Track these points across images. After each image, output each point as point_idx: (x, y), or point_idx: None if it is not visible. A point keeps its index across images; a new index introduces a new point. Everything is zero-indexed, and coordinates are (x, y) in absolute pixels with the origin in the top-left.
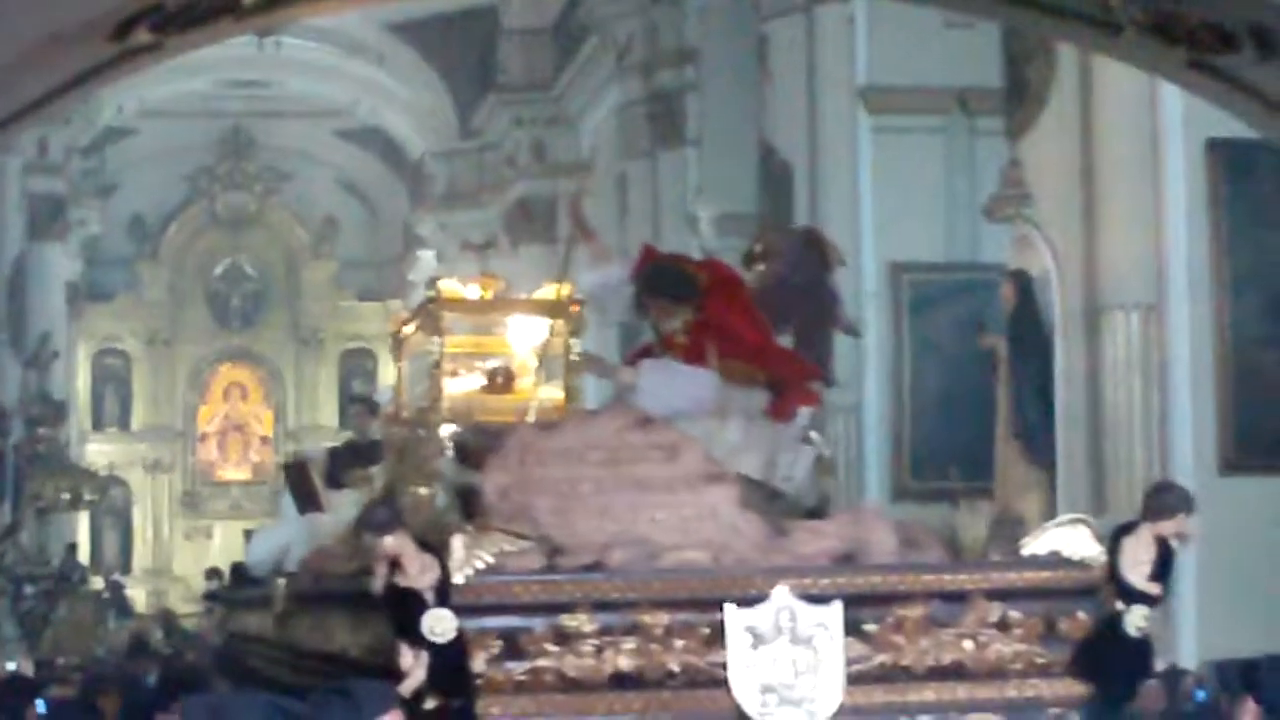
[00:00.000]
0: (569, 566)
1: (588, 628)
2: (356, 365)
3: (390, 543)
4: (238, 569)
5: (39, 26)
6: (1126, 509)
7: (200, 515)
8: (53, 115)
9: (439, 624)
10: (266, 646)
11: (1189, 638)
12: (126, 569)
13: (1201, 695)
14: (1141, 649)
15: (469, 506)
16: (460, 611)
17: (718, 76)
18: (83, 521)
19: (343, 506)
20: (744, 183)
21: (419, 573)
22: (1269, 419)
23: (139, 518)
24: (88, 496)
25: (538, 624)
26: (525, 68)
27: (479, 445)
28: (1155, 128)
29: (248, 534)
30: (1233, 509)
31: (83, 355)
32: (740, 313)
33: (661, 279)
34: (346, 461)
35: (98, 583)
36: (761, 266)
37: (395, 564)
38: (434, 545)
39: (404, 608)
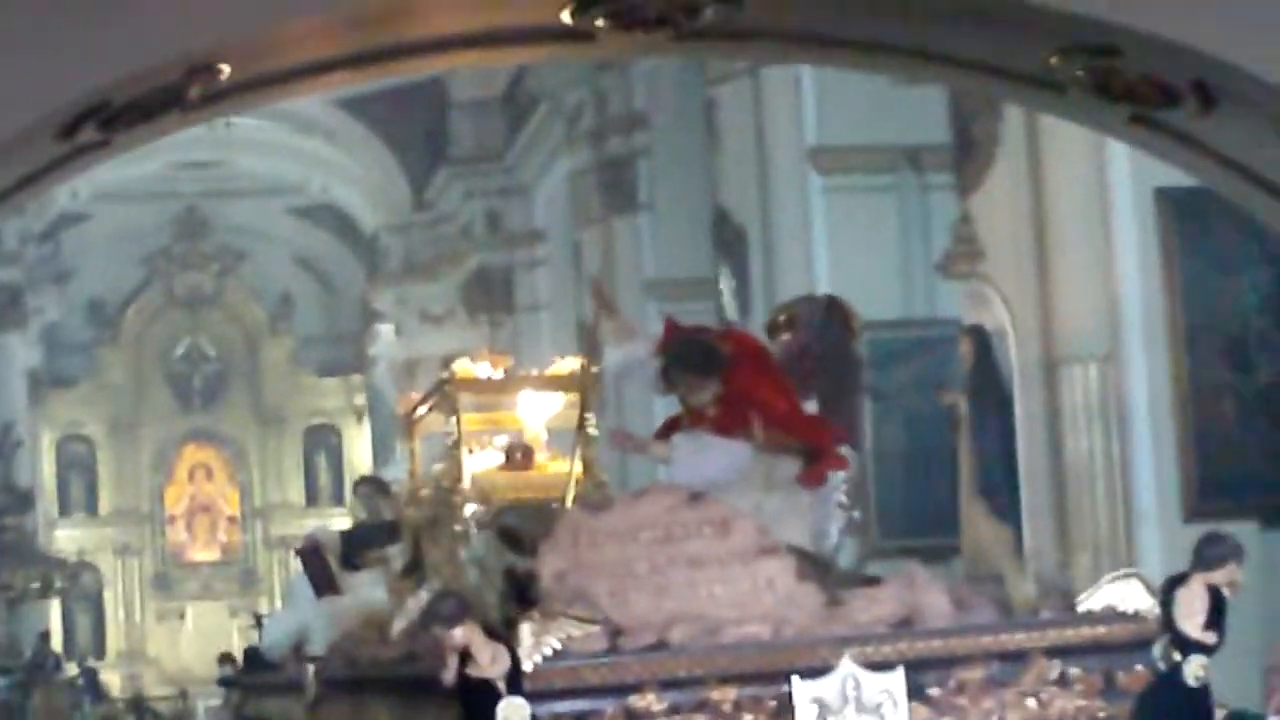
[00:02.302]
0: (632, 647)
1: (657, 707)
2: (320, 440)
3: (460, 634)
4: (252, 653)
5: None
6: (1091, 560)
7: (172, 597)
8: (3, 215)
9: (514, 712)
10: None
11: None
12: (100, 654)
13: None
14: (1201, 698)
15: (522, 591)
16: (530, 698)
17: (668, 141)
18: (54, 609)
19: (360, 588)
20: (698, 247)
21: (489, 662)
22: (1229, 465)
23: (110, 602)
24: (58, 584)
25: (608, 706)
26: (476, 139)
27: (522, 527)
28: (1104, 178)
29: (259, 618)
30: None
31: (47, 442)
32: (768, 381)
33: (688, 353)
34: (361, 542)
35: (71, 669)
36: (785, 335)
37: (465, 655)
38: (501, 633)
39: (477, 697)
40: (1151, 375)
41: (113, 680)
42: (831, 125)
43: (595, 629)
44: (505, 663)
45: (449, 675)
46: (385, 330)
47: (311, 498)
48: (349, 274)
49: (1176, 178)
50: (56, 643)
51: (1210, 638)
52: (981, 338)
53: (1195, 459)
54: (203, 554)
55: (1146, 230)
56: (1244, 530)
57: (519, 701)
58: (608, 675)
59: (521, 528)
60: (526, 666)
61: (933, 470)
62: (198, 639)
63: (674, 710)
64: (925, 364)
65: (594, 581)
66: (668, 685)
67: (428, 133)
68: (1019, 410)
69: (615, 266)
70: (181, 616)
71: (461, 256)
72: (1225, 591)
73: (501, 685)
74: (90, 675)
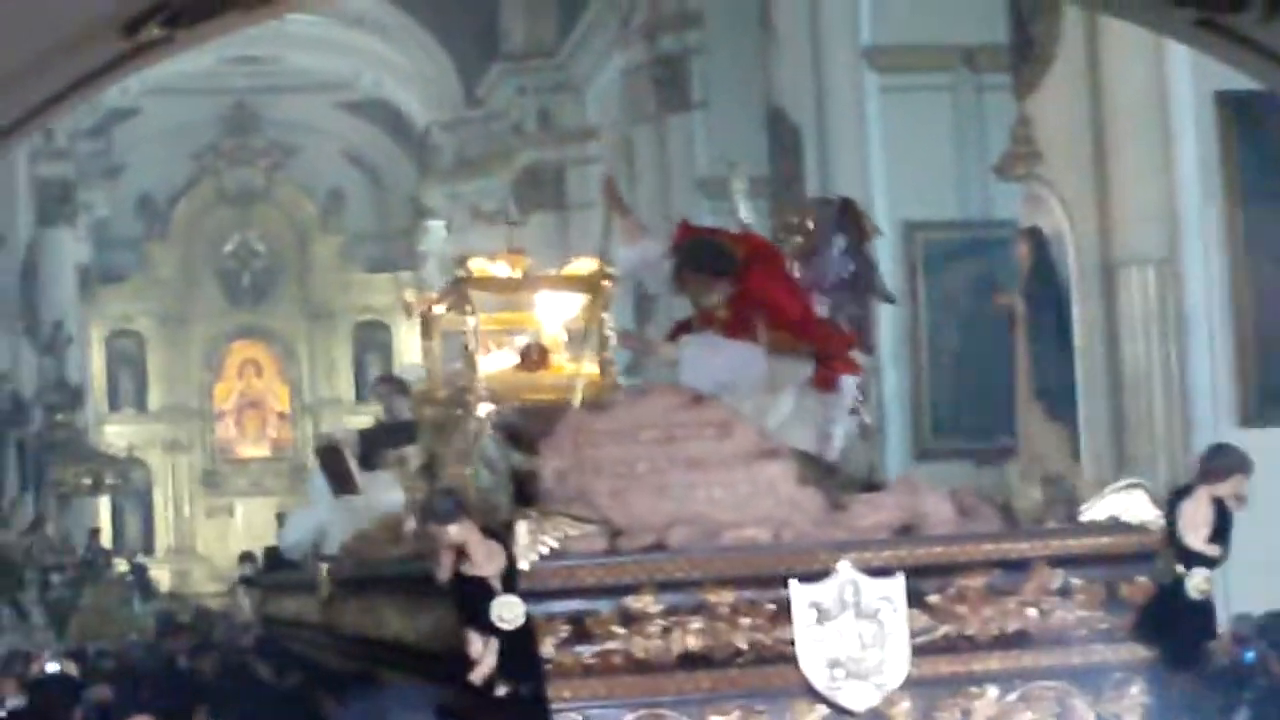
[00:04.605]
0: (630, 548)
1: (653, 608)
2: (370, 338)
3: (455, 532)
4: (271, 552)
5: (51, 28)
6: (1147, 464)
7: (221, 493)
8: (66, 111)
9: (507, 610)
10: (310, 630)
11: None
12: (150, 550)
13: (1250, 655)
14: (1203, 611)
15: (522, 490)
16: (526, 597)
17: (722, 38)
18: (104, 505)
19: (377, 488)
20: (753, 145)
21: (485, 560)
22: None
23: (160, 499)
24: (109, 480)
25: (604, 607)
26: (528, 34)
27: (527, 427)
28: (1163, 82)
29: (280, 517)
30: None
31: (96, 338)
32: (780, 284)
33: (700, 253)
34: (379, 442)
35: (122, 566)
36: (798, 238)
37: (460, 552)
38: (498, 532)
39: (471, 596)
40: (1209, 279)
41: (162, 577)
42: (887, 23)
43: (592, 529)
44: (500, 561)
45: (443, 573)
46: (436, 226)
47: (361, 394)
48: (400, 170)
49: (1237, 80)
50: (107, 539)
51: (1213, 551)
52: (1038, 240)
53: (1251, 363)
54: (252, 450)
55: (1205, 133)
56: None
57: (513, 599)
58: (604, 576)
59: (523, 427)
60: (522, 565)
61: (988, 372)
62: (247, 535)
63: (671, 612)
64: (981, 265)
65: (594, 481)
66: (665, 587)
67: (480, 28)
68: (1076, 313)
69: (668, 164)
70: (231, 513)
71: (513, 153)
72: (1230, 504)
73: (496, 584)
74: (140, 571)
